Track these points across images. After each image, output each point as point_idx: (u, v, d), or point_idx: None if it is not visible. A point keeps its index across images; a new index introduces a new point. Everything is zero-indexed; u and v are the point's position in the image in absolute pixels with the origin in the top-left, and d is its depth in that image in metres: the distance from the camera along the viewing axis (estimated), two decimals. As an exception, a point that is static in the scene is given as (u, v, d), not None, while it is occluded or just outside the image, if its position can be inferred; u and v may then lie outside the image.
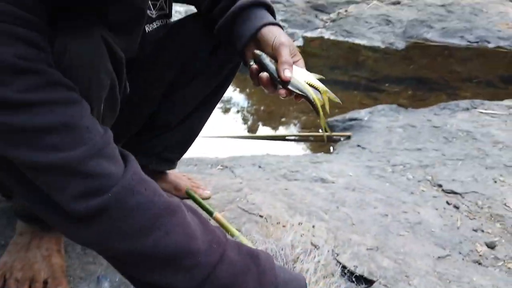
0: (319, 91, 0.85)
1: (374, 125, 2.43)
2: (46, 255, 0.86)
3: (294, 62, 0.86)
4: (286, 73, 0.82)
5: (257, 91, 3.19)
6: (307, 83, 0.84)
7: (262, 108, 3.06)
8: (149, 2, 0.91)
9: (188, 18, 1.06)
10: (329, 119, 2.61)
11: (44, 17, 0.60)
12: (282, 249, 0.94)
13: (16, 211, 0.89)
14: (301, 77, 0.85)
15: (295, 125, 2.82)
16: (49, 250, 0.87)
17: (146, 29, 0.92)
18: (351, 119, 2.54)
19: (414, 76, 3.55)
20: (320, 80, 0.87)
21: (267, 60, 0.85)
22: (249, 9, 0.90)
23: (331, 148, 2.40)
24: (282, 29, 0.91)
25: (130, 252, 0.64)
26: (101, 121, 0.74)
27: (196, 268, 0.66)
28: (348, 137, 2.42)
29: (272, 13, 0.93)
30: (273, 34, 0.87)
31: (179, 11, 3.66)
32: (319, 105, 0.84)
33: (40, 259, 0.85)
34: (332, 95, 0.86)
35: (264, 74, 0.84)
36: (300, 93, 0.84)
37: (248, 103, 3.21)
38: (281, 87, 0.84)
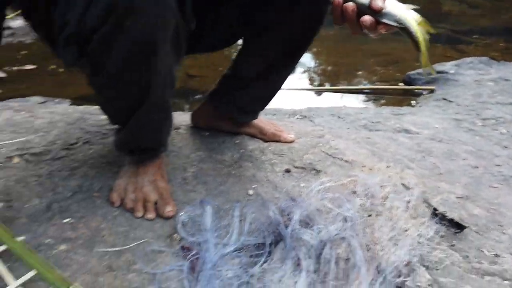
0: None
1: (461, 78, 2.27)
2: (152, 180, 0.94)
3: None
4: (379, 2, 0.71)
5: (331, 44, 3.10)
6: None
7: (334, 60, 2.98)
8: None
9: None
10: (410, 72, 2.48)
11: None
12: (371, 187, 0.93)
13: (117, 145, 0.96)
14: (393, 6, 0.72)
15: (370, 79, 2.72)
16: (155, 176, 0.95)
17: None
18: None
19: (507, 26, 3.21)
20: (414, 10, 0.74)
21: None
22: None
23: (413, 102, 2.29)
24: None
25: None
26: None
27: None
28: (432, 91, 2.29)
29: None
30: None
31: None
32: (420, 37, 0.72)
33: (147, 183, 0.94)
34: (429, 25, 0.74)
35: (350, 4, 0.72)
36: (397, 25, 0.71)
37: (319, 57, 3.13)
38: (368, 19, 0.71)
